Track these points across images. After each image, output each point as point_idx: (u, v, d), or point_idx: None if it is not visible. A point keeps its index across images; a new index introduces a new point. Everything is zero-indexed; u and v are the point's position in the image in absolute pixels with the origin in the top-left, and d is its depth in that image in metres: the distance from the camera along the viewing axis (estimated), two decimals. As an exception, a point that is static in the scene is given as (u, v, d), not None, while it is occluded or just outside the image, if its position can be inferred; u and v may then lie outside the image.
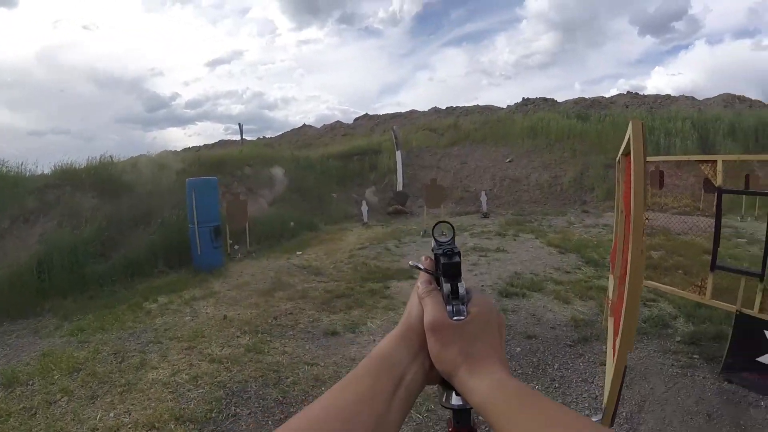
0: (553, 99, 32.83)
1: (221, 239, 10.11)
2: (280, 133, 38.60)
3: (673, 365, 4.78)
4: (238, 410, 4.11)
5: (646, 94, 32.42)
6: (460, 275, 0.65)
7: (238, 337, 5.82)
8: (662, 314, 6.14)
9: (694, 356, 4.96)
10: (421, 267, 0.69)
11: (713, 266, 4.66)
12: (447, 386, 0.62)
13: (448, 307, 0.63)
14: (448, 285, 0.64)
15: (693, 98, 30.09)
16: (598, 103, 31.12)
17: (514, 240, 11.91)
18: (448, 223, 0.73)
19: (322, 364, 5.01)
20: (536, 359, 5.02)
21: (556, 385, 4.49)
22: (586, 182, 19.07)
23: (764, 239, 4.39)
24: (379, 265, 9.51)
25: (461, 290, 0.64)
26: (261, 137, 38.62)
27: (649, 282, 5.48)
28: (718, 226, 4.75)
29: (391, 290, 7.69)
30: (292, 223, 13.89)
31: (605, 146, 19.24)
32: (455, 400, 0.61)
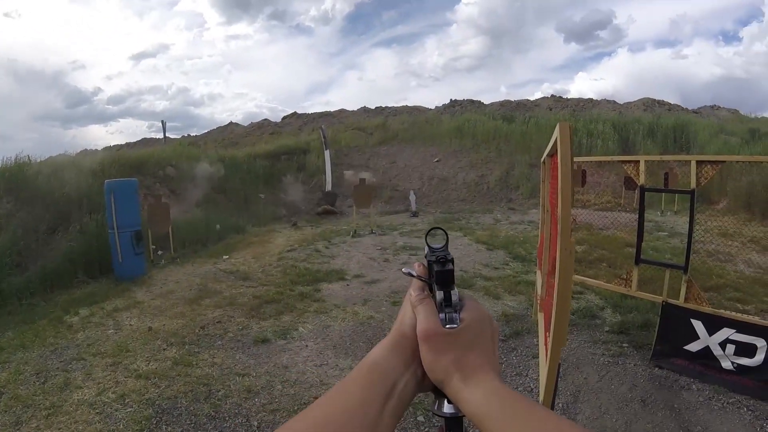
0: (479, 101, 33.69)
1: (143, 245, 9.67)
2: (206, 131, 37.39)
3: (604, 354, 5.06)
4: (169, 429, 3.98)
5: (569, 97, 33.83)
6: (454, 283, 0.65)
7: (164, 349, 5.61)
8: (590, 305, 6.49)
9: (624, 345, 5.27)
10: (414, 274, 0.68)
11: (638, 260, 4.95)
12: (439, 393, 0.61)
13: (440, 315, 0.62)
14: (441, 293, 0.64)
15: (614, 102, 31.67)
16: (523, 105, 32.19)
17: (443, 239, 12.11)
18: (441, 229, 0.73)
19: (254, 374, 4.92)
20: (469, 357, 5.11)
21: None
22: (512, 181, 19.76)
23: (683, 232, 4.68)
24: (309, 267, 9.44)
25: (454, 298, 0.63)
26: (186, 135, 37.20)
27: (576, 276, 5.69)
28: (641, 223, 5.04)
29: (322, 293, 7.66)
30: (218, 226, 13.52)
31: (529, 146, 20.08)
32: (447, 408, 0.60)
